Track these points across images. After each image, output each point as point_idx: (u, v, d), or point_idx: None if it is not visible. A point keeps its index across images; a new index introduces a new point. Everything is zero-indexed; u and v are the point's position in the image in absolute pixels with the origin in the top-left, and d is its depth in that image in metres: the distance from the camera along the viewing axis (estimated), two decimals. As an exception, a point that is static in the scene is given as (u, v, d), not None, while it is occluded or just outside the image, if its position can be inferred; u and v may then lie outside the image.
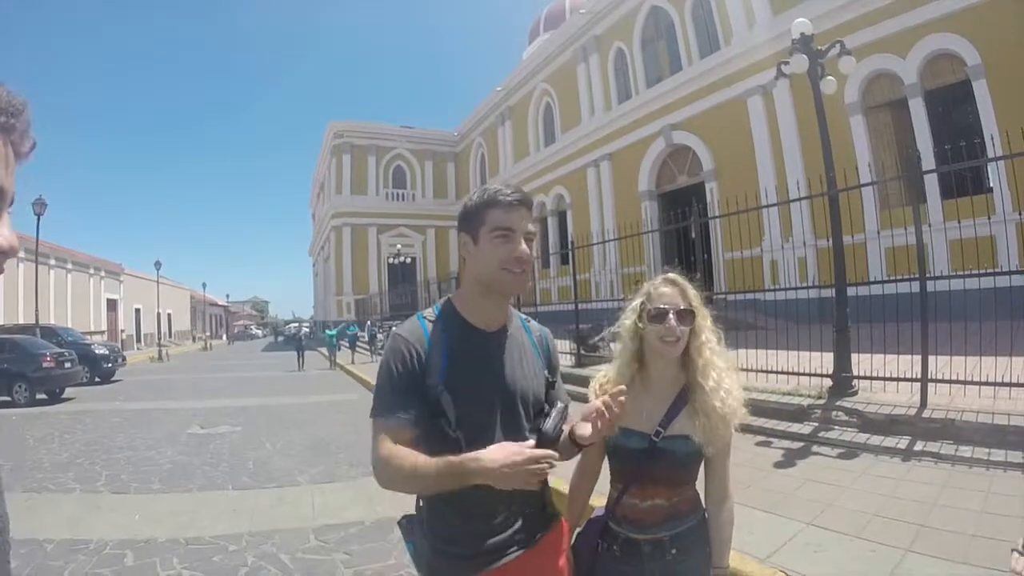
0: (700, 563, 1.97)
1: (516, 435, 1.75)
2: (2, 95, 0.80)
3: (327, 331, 26.13)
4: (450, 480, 1.61)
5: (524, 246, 1.72)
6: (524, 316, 2.00)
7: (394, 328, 1.89)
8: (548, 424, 1.76)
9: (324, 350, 26.17)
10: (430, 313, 1.84)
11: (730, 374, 1.96)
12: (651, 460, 1.88)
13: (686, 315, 1.89)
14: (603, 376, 2.07)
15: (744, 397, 1.98)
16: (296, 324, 52.24)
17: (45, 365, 15.68)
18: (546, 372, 1.90)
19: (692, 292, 1.93)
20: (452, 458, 1.60)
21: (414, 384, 1.71)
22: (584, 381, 9.71)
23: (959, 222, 7.25)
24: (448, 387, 1.68)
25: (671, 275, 1.97)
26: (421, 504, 1.83)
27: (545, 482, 1.90)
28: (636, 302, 1.96)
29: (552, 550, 1.87)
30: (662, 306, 1.88)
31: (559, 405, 1.82)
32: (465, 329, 1.79)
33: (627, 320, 1.98)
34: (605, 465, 2.06)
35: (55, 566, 4.58)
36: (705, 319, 1.94)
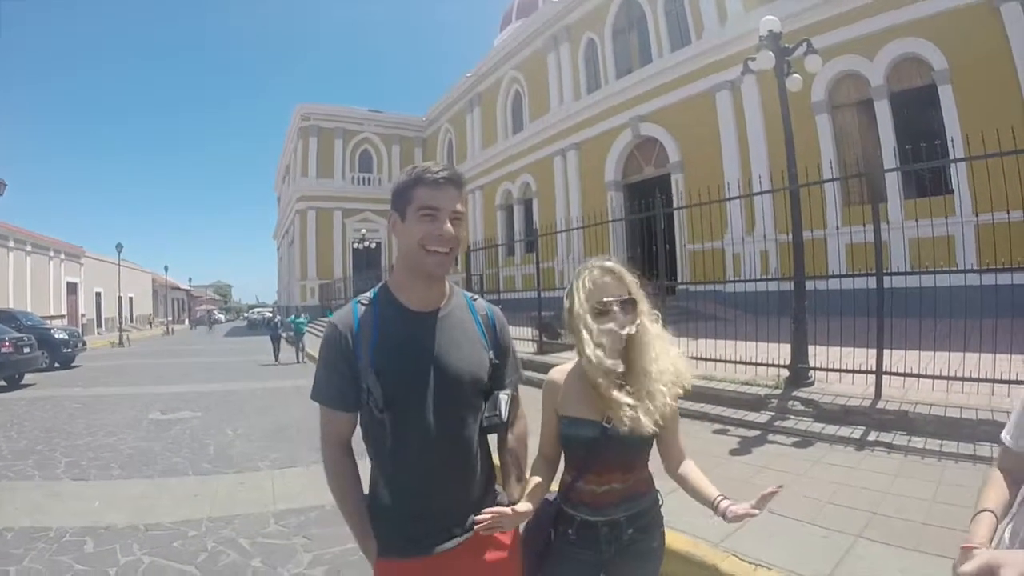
0: (656, 542, 2.00)
1: (453, 418, 1.76)
2: None
3: (298, 318, 22.58)
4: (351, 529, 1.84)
5: (448, 226, 1.71)
6: (470, 295, 1.97)
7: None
8: (496, 413, 1.81)
9: (290, 337, 23.08)
10: (365, 297, 1.85)
11: (669, 353, 1.96)
12: (604, 447, 1.89)
13: (628, 304, 1.89)
14: (556, 377, 2.05)
15: (689, 385, 1.99)
16: (270, 309, 50.54)
17: (3, 351, 15.19)
18: (491, 353, 1.87)
19: (630, 279, 1.93)
20: (361, 530, 1.81)
21: (345, 369, 1.75)
22: (546, 368, 9.70)
23: (916, 221, 7.39)
24: (375, 369, 1.70)
25: (608, 263, 1.95)
26: (373, 487, 1.84)
27: (493, 476, 1.94)
28: (581, 294, 1.93)
29: (498, 536, 1.85)
30: (606, 299, 1.88)
31: (503, 396, 1.83)
32: (397, 311, 1.79)
33: (575, 311, 1.94)
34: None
35: (15, 554, 4.52)
36: (644, 303, 1.94)
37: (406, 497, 1.76)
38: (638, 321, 1.91)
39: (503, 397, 1.83)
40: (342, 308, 1.86)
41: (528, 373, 1.89)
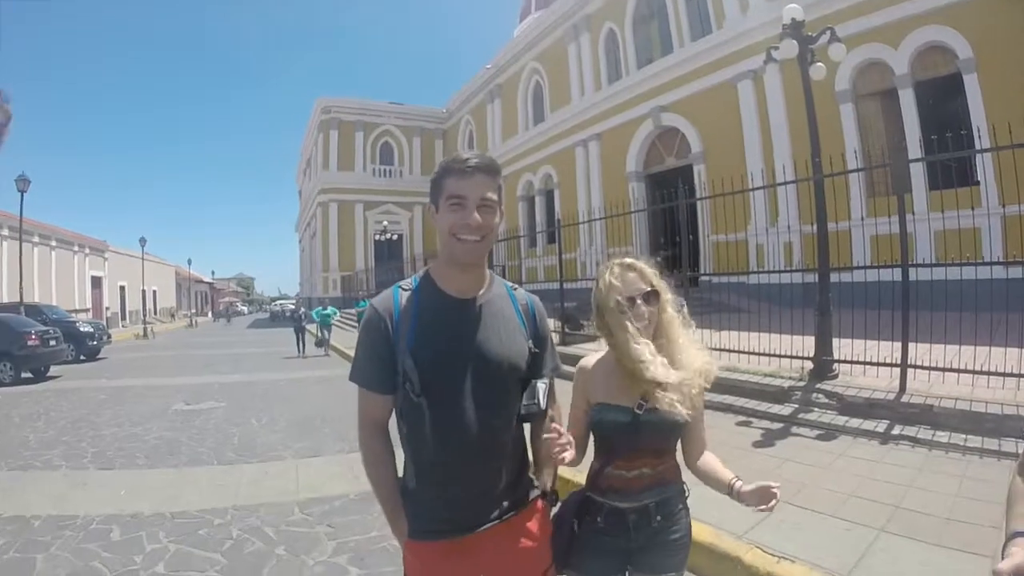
0: (683, 530, 2.03)
1: (489, 404, 1.78)
2: None
3: (324, 310, 21.15)
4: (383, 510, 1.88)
5: (476, 214, 1.72)
6: (510, 284, 1.99)
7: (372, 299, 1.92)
8: (534, 402, 1.80)
9: (313, 329, 22.13)
10: (407, 283, 1.88)
11: (693, 344, 2.02)
12: (635, 432, 1.93)
13: (652, 296, 1.94)
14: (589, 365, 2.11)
15: (714, 373, 2.03)
16: (293, 301, 50.17)
17: (30, 343, 15.57)
18: (530, 342, 1.89)
19: (650, 271, 1.98)
20: (393, 511, 1.84)
21: (384, 352, 1.77)
22: (568, 359, 9.71)
23: (943, 213, 7.31)
24: (413, 353, 1.72)
25: (627, 260, 2.00)
26: (405, 471, 1.87)
27: (526, 464, 1.95)
28: (605, 293, 1.98)
29: (528, 523, 1.89)
30: (630, 295, 1.93)
31: (540, 385, 1.83)
32: (438, 297, 1.81)
33: (602, 308, 2.00)
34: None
35: (42, 542, 4.61)
36: (666, 294, 1.99)
37: (440, 481, 1.78)
38: (665, 311, 1.97)
39: (541, 386, 1.83)
40: (383, 292, 1.89)
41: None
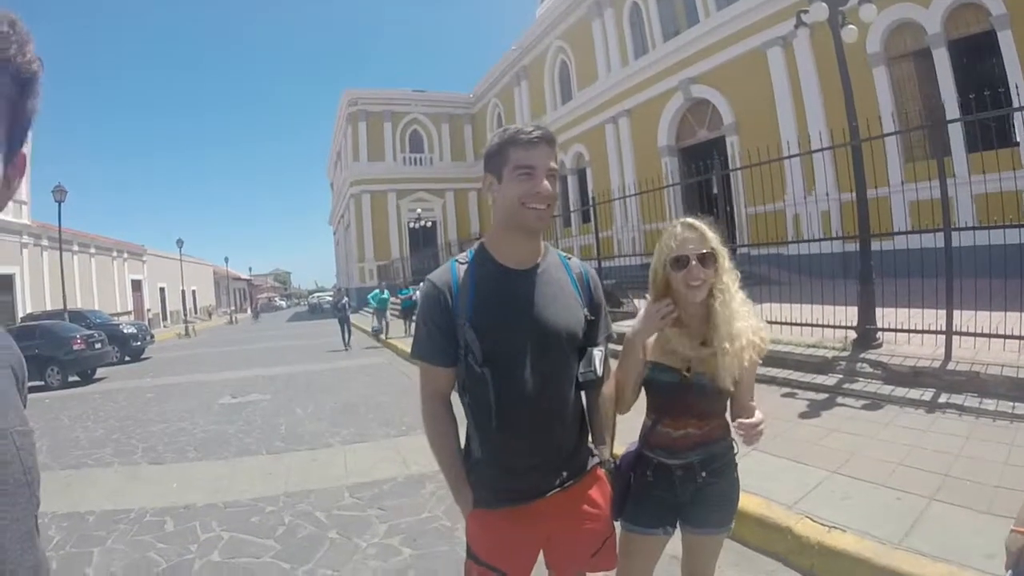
0: (729, 485, 2.11)
1: (549, 373, 1.84)
2: None
3: (381, 293, 20.38)
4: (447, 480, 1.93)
5: (546, 183, 1.77)
6: (564, 254, 2.05)
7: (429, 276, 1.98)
8: (591, 369, 1.87)
9: (370, 315, 21.76)
10: (463, 257, 1.94)
11: (747, 312, 2.06)
12: (683, 394, 2.02)
13: (708, 258, 1.97)
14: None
15: (768, 346, 2.11)
16: (331, 293, 49.29)
17: (76, 348, 16.03)
18: (585, 310, 1.94)
19: (711, 235, 2.01)
20: (457, 481, 1.90)
21: (445, 325, 1.83)
22: (609, 341, 9.66)
23: (984, 175, 7.16)
24: (474, 325, 1.78)
25: (689, 220, 2.04)
26: (469, 442, 1.94)
27: (585, 432, 2.01)
28: (661, 249, 2.04)
29: (589, 491, 1.96)
30: (683, 253, 1.97)
31: (596, 353, 1.89)
32: (494, 269, 1.87)
33: (656, 267, 2.05)
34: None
35: (98, 536, 4.77)
36: (725, 260, 2.02)
37: (504, 450, 1.84)
38: (720, 278, 2.01)
39: (597, 353, 1.90)
40: (440, 267, 1.95)
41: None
